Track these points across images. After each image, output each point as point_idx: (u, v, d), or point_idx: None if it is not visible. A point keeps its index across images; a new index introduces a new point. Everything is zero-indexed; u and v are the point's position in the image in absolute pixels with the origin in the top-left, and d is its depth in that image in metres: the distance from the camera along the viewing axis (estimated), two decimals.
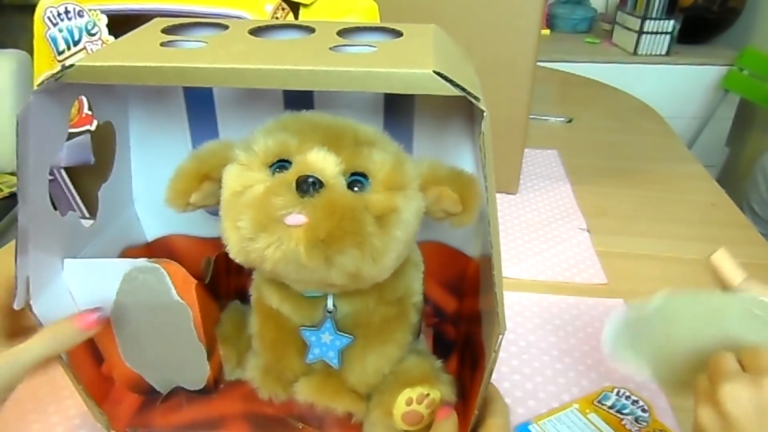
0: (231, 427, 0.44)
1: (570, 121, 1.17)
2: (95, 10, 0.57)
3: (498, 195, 0.85)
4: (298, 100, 0.43)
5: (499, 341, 0.33)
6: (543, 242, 0.74)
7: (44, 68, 0.60)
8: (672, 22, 1.84)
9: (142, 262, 0.38)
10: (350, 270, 0.33)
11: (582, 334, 0.58)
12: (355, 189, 0.35)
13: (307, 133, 0.35)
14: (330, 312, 0.40)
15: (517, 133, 0.81)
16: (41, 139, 0.33)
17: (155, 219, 0.51)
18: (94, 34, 0.59)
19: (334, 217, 0.32)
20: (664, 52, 1.89)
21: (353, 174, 0.35)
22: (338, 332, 0.40)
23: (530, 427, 0.46)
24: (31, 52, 0.61)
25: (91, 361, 0.43)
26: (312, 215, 0.32)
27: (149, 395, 0.46)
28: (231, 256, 0.35)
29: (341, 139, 0.35)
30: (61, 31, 0.59)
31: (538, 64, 0.77)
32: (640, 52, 1.89)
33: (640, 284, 0.66)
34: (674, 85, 1.91)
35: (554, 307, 0.61)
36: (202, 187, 0.38)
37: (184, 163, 0.39)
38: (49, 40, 0.59)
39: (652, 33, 1.86)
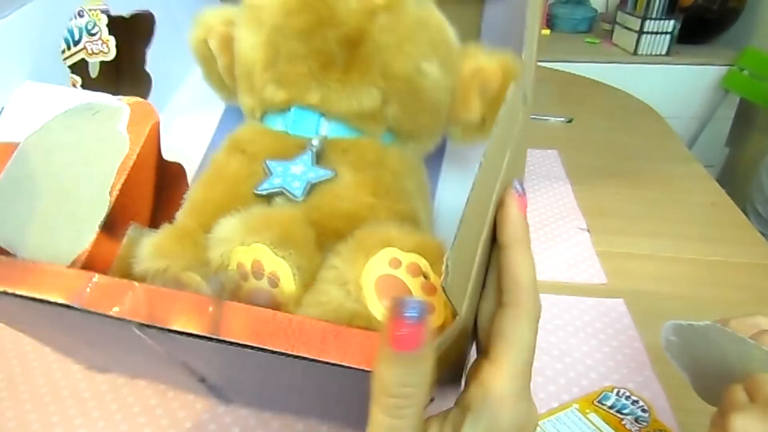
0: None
1: (570, 121, 1.17)
2: (95, 10, 0.57)
3: None
4: None
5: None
6: (543, 242, 0.74)
7: None
8: (672, 22, 1.84)
9: (109, 97, 0.31)
10: None
11: (582, 334, 0.58)
12: None
13: None
14: (314, 145, 0.31)
15: None
16: None
17: None
18: (94, 34, 0.59)
19: None
20: (664, 52, 1.89)
21: None
22: (316, 165, 0.30)
23: None
24: None
25: None
26: None
27: None
28: None
29: None
30: None
31: (538, 64, 0.76)
32: (640, 52, 1.89)
33: (640, 284, 0.66)
34: (674, 85, 1.91)
35: (554, 307, 0.61)
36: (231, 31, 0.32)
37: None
38: None
39: (652, 33, 1.86)
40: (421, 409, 0.21)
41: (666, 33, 1.86)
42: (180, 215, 0.32)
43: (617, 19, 2.00)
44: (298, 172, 0.30)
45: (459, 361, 0.25)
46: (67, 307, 0.23)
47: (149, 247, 0.29)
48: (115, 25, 0.58)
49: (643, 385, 0.51)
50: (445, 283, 0.19)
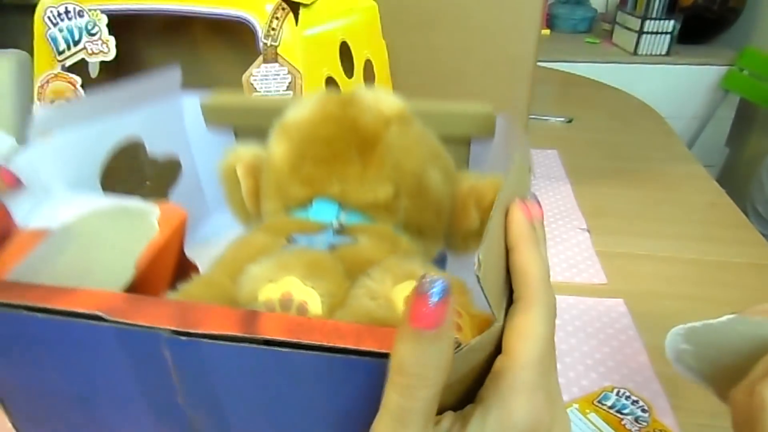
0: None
1: (570, 121, 1.17)
2: (95, 10, 0.57)
3: None
4: None
5: None
6: None
7: (44, 68, 0.60)
8: (672, 22, 1.84)
9: (142, 204, 0.34)
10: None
11: (582, 334, 0.58)
12: None
13: None
14: (334, 227, 0.35)
15: None
16: None
17: None
18: (94, 34, 0.59)
19: None
20: (664, 52, 1.89)
21: None
22: (339, 236, 0.34)
23: None
24: (31, 52, 0.61)
25: None
26: None
27: None
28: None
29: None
30: (61, 31, 0.59)
31: (538, 64, 0.77)
32: (640, 52, 1.90)
33: (640, 284, 0.66)
34: (674, 85, 1.91)
35: None
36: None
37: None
38: (49, 40, 0.59)
39: (652, 33, 1.87)
40: (434, 394, 0.20)
41: (666, 33, 1.86)
42: (205, 272, 0.34)
43: (617, 19, 2.00)
44: (321, 240, 0.33)
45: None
46: (98, 319, 0.23)
47: (174, 295, 0.29)
48: (115, 24, 0.58)
49: (643, 385, 0.51)
50: (479, 272, 0.20)
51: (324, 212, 0.35)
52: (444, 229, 0.38)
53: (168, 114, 0.44)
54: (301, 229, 0.34)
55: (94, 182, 0.38)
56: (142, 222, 0.33)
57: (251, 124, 0.44)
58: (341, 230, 0.34)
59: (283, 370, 0.23)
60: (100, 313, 0.23)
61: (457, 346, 0.21)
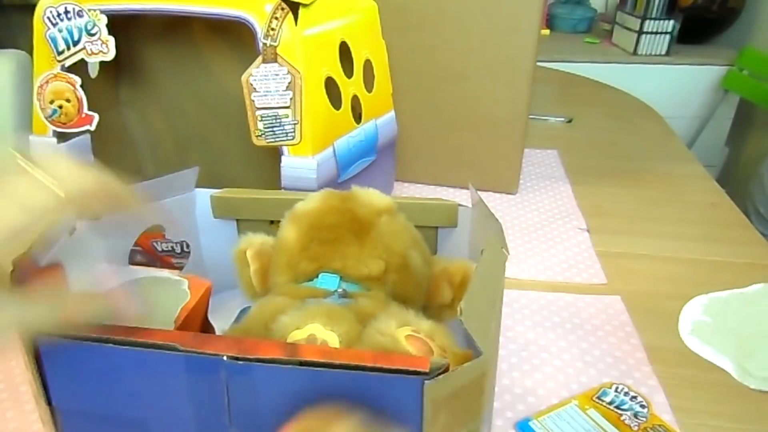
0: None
1: (570, 121, 1.17)
2: (95, 10, 0.58)
3: (498, 195, 0.85)
4: None
5: None
6: (543, 242, 0.74)
7: (44, 68, 0.61)
8: (672, 22, 1.84)
9: (170, 275, 0.42)
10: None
11: (581, 331, 0.58)
12: None
13: None
14: (338, 293, 0.42)
15: (517, 133, 0.81)
16: None
17: None
18: (93, 34, 0.59)
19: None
20: (664, 52, 1.89)
21: None
22: (343, 298, 0.42)
23: (531, 424, 0.47)
24: (31, 52, 0.61)
25: None
26: None
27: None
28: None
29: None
30: (60, 31, 0.59)
31: (538, 64, 0.77)
32: (640, 52, 1.90)
33: (639, 284, 0.66)
34: (674, 85, 1.91)
35: (553, 305, 0.61)
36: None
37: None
38: (49, 40, 0.59)
39: (651, 33, 1.86)
40: None
41: (665, 33, 1.86)
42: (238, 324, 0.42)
43: (617, 19, 2.00)
44: (330, 301, 0.41)
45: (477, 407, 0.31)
46: (172, 349, 0.29)
47: None
48: (115, 24, 0.58)
49: (641, 381, 0.51)
50: (461, 317, 0.28)
51: (328, 282, 0.43)
52: (422, 302, 0.46)
53: (183, 206, 0.52)
54: (312, 295, 0.42)
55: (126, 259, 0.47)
56: (176, 289, 0.41)
57: (251, 216, 0.52)
58: (344, 295, 0.42)
59: (316, 387, 0.29)
60: (175, 344, 0.29)
61: (445, 369, 0.27)
